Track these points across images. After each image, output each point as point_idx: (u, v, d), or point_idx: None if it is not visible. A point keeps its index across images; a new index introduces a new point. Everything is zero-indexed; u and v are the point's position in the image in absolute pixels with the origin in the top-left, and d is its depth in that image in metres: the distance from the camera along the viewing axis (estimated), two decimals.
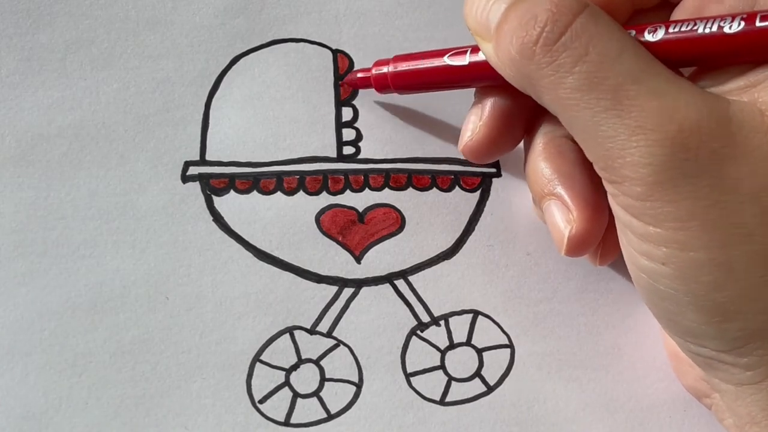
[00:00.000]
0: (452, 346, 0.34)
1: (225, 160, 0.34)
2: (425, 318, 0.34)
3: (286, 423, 0.33)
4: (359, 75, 0.34)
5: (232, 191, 0.34)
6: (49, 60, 0.35)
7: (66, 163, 0.34)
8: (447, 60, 0.31)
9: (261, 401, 0.33)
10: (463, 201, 0.35)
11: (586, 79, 0.25)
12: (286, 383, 0.33)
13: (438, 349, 0.34)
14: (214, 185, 0.34)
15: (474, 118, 0.31)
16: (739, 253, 0.25)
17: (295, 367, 0.33)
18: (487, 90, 0.31)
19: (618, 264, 0.34)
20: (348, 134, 0.35)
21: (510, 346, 0.34)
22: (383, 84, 0.33)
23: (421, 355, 0.34)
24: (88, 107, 0.34)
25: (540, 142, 0.30)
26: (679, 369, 0.33)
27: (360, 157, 0.35)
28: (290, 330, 0.34)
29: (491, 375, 0.34)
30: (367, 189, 0.34)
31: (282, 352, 0.33)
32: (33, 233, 0.33)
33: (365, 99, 0.35)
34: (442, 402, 0.33)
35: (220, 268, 0.34)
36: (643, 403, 0.34)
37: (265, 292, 0.34)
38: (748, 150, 0.24)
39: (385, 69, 0.33)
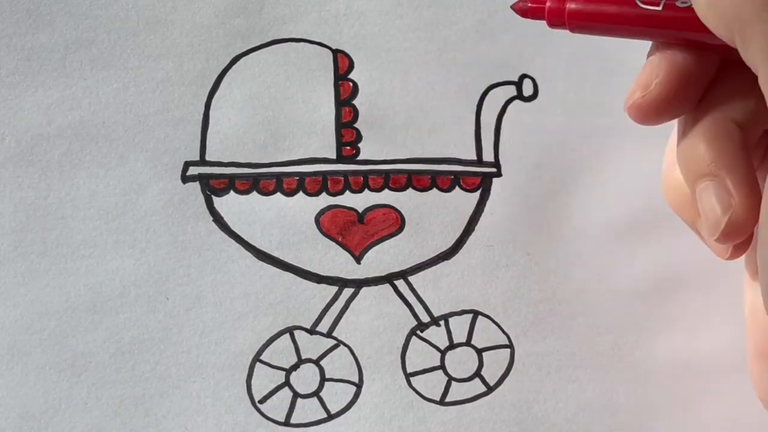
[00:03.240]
0: (452, 346, 0.34)
1: (225, 160, 0.34)
2: (425, 318, 0.34)
3: (286, 423, 0.33)
4: (530, 5, 0.30)
5: (231, 192, 0.34)
6: (49, 60, 0.35)
7: (66, 163, 0.34)
8: (640, 3, 0.27)
9: (261, 401, 0.33)
10: (463, 201, 0.35)
11: None
12: (286, 383, 0.33)
13: (438, 349, 0.34)
14: (214, 185, 0.34)
15: (648, 75, 0.28)
16: None
17: (295, 367, 0.33)
18: (670, 46, 0.28)
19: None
20: (348, 135, 0.35)
21: (510, 346, 0.34)
22: (558, 19, 0.29)
23: (421, 355, 0.34)
24: (88, 107, 0.34)
25: (707, 120, 0.27)
26: (762, 376, 0.30)
27: (360, 158, 0.35)
28: (290, 330, 0.34)
29: (491, 375, 0.34)
30: (366, 190, 0.34)
31: (282, 352, 0.33)
32: (33, 233, 0.33)
33: (365, 99, 0.35)
34: (442, 402, 0.33)
35: (220, 268, 0.34)
36: (643, 403, 0.34)
37: (265, 292, 0.34)
38: None
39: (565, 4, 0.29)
